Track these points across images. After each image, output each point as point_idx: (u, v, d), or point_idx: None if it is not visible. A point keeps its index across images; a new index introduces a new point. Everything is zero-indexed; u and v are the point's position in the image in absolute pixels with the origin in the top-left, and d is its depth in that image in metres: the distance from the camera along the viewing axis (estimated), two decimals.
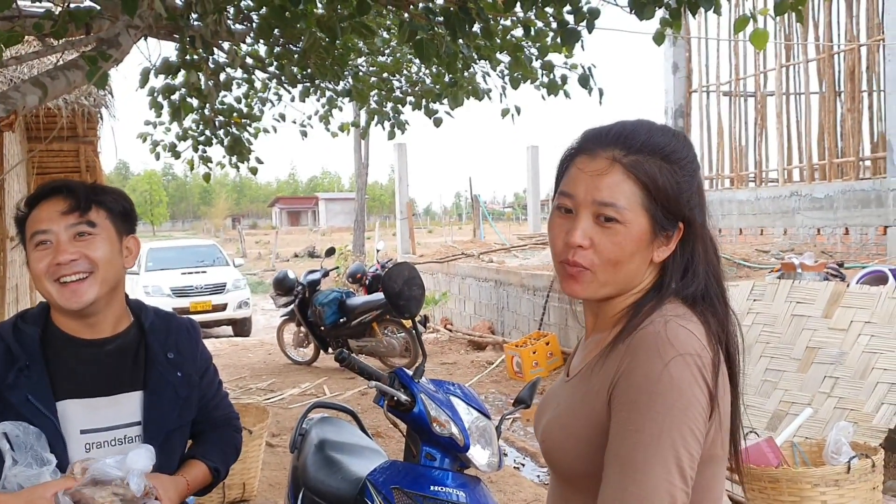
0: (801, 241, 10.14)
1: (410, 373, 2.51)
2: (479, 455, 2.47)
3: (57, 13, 3.41)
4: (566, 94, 5.31)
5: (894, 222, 8.82)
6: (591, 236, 1.22)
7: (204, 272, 14.24)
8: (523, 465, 5.87)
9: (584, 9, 3.89)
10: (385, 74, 6.15)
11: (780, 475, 3.58)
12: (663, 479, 1.07)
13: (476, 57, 5.00)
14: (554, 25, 4.47)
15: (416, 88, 6.14)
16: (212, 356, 2.06)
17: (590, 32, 3.97)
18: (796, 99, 11.72)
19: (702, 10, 3.54)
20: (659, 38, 4.10)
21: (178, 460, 1.91)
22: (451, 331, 11.59)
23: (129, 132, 6.17)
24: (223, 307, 13.57)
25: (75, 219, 1.76)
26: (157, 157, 6.45)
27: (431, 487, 2.36)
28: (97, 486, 1.56)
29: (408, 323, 8.57)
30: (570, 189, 1.25)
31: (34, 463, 1.62)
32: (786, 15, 3.45)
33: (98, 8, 3.85)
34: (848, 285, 5.41)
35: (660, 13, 3.87)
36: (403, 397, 2.40)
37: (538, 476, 5.61)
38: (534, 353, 8.38)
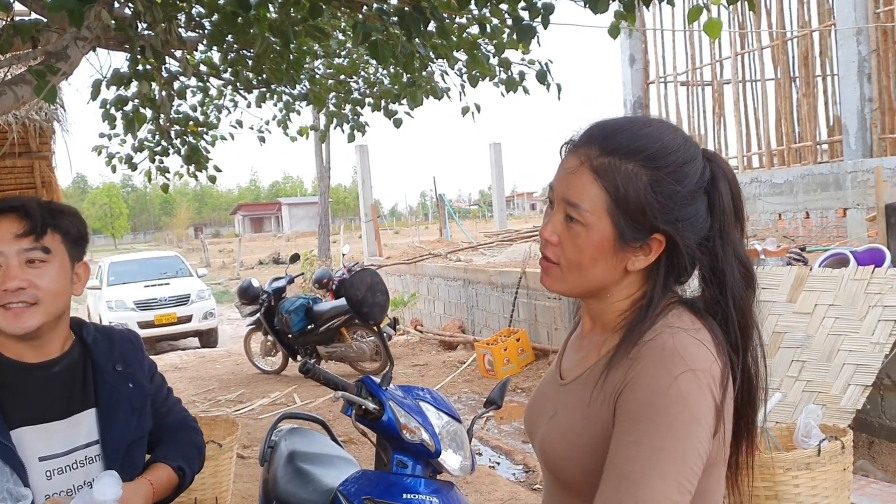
0: (764, 227, 10.26)
1: (378, 380, 2.47)
2: (451, 460, 2.44)
3: (1, 27, 3.32)
4: (525, 91, 5.30)
5: (853, 204, 8.96)
6: (559, 233, 1.20)
7: (167, 284, 14.06)
8: (498, 464, 5.86)
9: (539, 4, 3.87)
10: (342, 77, 6.09)
11: (752, 462, 3.60)
12: (660, 492, 1.04)
13: (433, 56, 4.96)
14: (509, 22, 4.45)
15: (375, 90, 6.10)
16: (156, 364, 2.02)
17: (545, 28, 3.95)
18: (752, 86, 11.87)
19: (654, 1, 3.54)
20: (614, 31, 4.10)
21: (139, 473, 1.85)
22: (421, 332, 11.56)
23: (84, 145, 6.06)
24: (188, 319, 13.41)
25: (30, 243, 1.68)
26: (114, 169, 6.35)
27: (404, 495, 2.33)
28: None
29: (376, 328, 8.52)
30: (553, 182, 1.24)
31: (9, 498, 1.57)
32: (739, 3, 3.47)
33: (44, 20, 3.75)
34: (811, 269, 5.47)
35: (614, 6, 3.87)
36: (371, 406, 2.36)
37: (514, 474, 5.60)
38: (505, 350, 8.37)
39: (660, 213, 1.16)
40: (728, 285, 1.19)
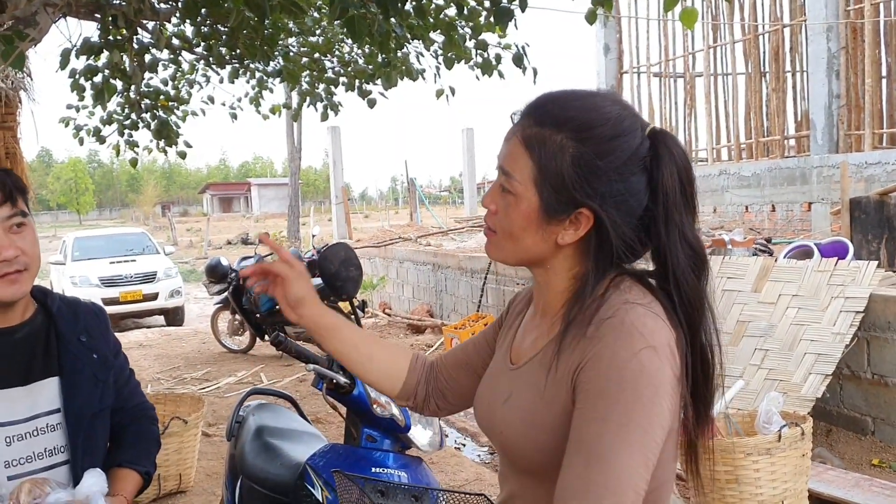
0: (731, 219, 10.38)
1: None
2: (420, 435, 2.46)
3: None
4: (500, 74, 5.30)
5: (818, 199, 9.10)
6: (496, 202, 1.22)
7: (133, 261, 13.86)
8: (464, 444, 5.90)
9: None
10: (316, 54, 6.04)
11: (714, 446, 3.66)
12: (627, 468, 1.04)
13: (409, 36, 4.94)
14: (487, 4, 4.45)
15: (349, 69, 6.06)
16: (120, 343, 1.99)
17: (522, 11, 3.96)
18: (724, 79, 11.98)
19: None
20: (591, 17, 4.11)
21: (102, 449, 1.83)
22: (389, 315, 11.55)
23: (50, 117, 5.95)
24: (154, 296, 13.24)
25: (9, 210, 1.66)
26: (81, 142, 6.24)
27: (373, 469, 2.34)
28: None
29: (346, 306, 8.48)
30: (499, 151, 1.25)
31: None
32: None
33: None
34: (776, 260, 5.55)
35: None
36: (343, 379, 2.36)
37: (479, 455, 5.64)
38: (472, 334, 8.40)
39: (580, 186, 1.14)
40: (671, 267, 1.17)
